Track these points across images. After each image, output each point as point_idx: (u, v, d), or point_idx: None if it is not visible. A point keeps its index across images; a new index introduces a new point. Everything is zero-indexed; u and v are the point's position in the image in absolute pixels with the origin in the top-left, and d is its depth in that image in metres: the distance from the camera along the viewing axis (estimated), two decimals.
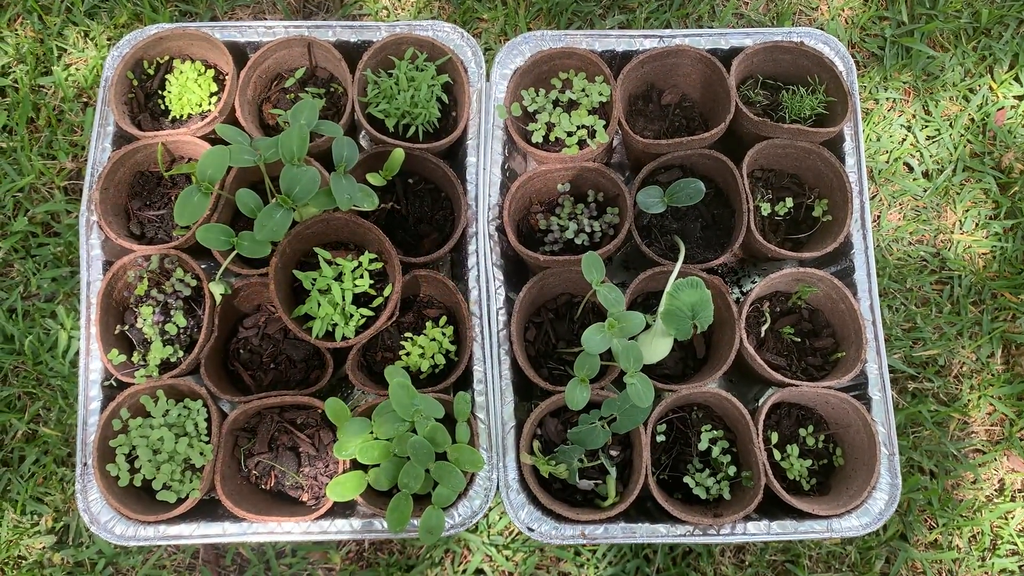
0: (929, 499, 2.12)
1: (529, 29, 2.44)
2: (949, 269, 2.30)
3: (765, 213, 1.92)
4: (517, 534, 2.08)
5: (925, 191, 2.35)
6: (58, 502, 2.10)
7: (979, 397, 2.20)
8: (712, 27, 2.44)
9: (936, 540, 2.12)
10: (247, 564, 2.06)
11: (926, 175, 2.38)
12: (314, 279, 1.74)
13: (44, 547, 2.07)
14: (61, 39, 2.41)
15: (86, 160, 2.31)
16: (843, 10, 2.51)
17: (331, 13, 2.46)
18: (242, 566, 2.07)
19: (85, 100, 2.37)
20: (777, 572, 2.09)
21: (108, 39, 2.40)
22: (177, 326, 1.78)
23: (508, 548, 2.08)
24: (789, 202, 1.93)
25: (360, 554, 2.08)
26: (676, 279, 1.72)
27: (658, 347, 1.72)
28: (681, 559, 2.08)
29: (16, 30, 2.42)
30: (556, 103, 1.95)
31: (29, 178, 2.28)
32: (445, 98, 1.93)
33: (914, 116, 2.42)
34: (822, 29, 2.46)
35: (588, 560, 2.07)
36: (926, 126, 2.42)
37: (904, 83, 2.44)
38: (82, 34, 2.42)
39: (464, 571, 2.06)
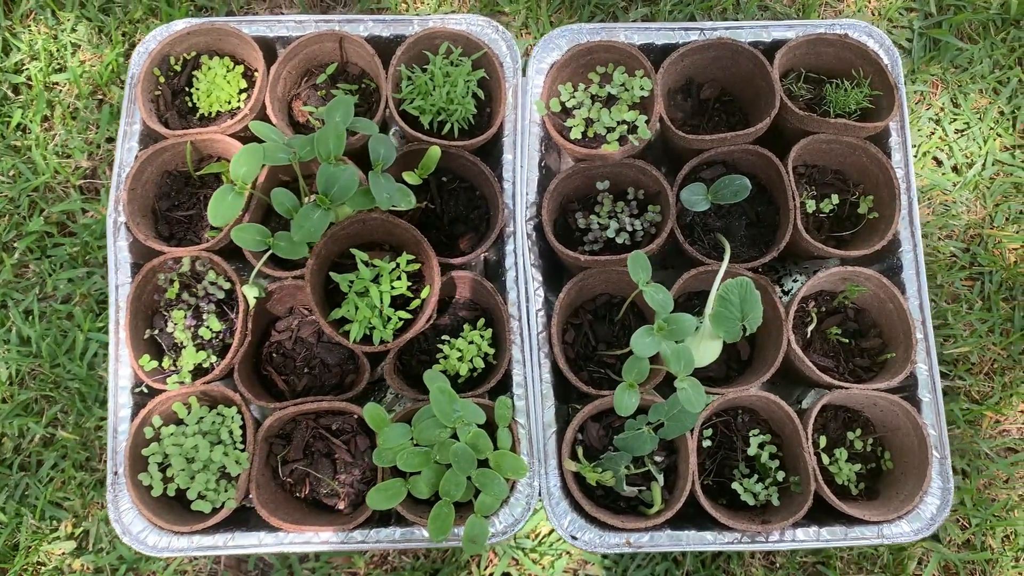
0: (961, 499, 2.09)
1: (551, 23, 2.39)
2: (979, 265, 2.26)
3: (809, 210, 1.88)
4: (543, 537, 2.04)
5: (955, 185, 2.31)
6: (77, 507, 2.05)
7: (1011, 395, 2.17)
8: (738, 19, 2.40)
9: (969, 540, 2.09)
10: (270, 568, 2.02)
11: (955, 169, 2.34)
12: (351, 281, 1.69)
13: (64, 553, 2.03)
14: (75, 35, 2.36)
15: (102, 159, 2.26)
16: (870, 1, 2.46)
17: (349, 7, 2.40)
18: (264, 571, 2.03)
19: (100, 97, 2.32)
20: (808, 574, 2.06)
21: (123, 35, 2.35)
22: (211, 330, 1.73)
23: (535, 551, 2.04)
24: (834, 199, 1.89)
25: (384, 558, 2.04)
26: (723, 279, 1.67)
27: (707, 350, 1.68)
28: (711, 561, 2.04)
29: (29, 26, 2.36)
30: (595, 98, 1.90)
31: (44, 177, 2.23)
32: (481, 94, 1.88)
33: (943, 109, 2.38)
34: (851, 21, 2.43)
35: (617, 562, 2.03)
36: (955, 119, 2.38)
37: (932, 76, 2.40)
38: (96, 30, 2.37)
39: (491, 575, 2.02)
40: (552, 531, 2.05)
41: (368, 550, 1.97)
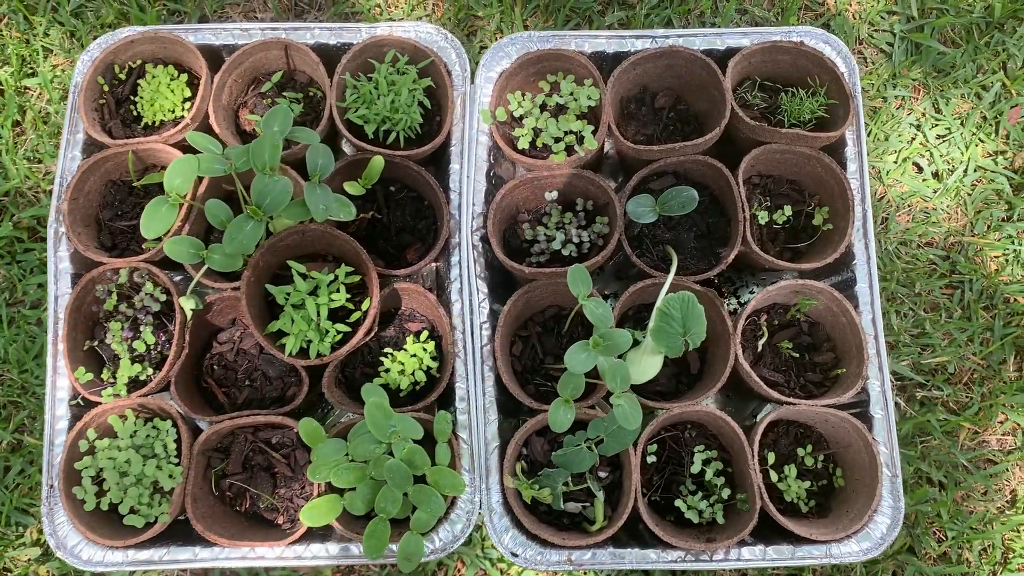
0: (938, 511, 2.05)
1: (526, 27, 2.36)
2: (959, 273, 2.21)
3: (763, 221, 1.84)
4: None
5: (935, 192, 2.26)
6: (43, 514, 2.05)
7: (990, 405, 2.12)
8: (716, 24, 2.35)
9: (945, 553, 2.04)
10: None
11: (936, 176, 2.29)
12: (288, 293, 1.68)
13: (29, 559, 2.02)
14: (47, 39, 2.35)
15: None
16: (850, 4, 2.41)
17: (323, 11, 2.38)
18: None
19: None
20: None
21: (95, 39, 2.34)
22: (146, 343, 1.71)
23: (502, 562, 2.01)
24: (788, 210, 1.85)
25: (352, 568, 2.03)
26: (667, 293, 1.64)
27: (648, 365, 1.64)
28: None
29: (1, 31, 2.36)
30: (543, 107, 1.87)
31: (14, 182, 2.23)
32: (428, 103, 1.86)
33: (924, 114, 2.33)
34: (828, 25, 2.38)
35: (584, 575, 2.00)
36: (936, 125, 2.33)
37: (914, 80, 2.35)
38: (68, 34, 2.36)
39: None
40: None
41: (303, 567, 1.95)
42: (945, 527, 2.05)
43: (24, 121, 2.32)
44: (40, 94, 2.33)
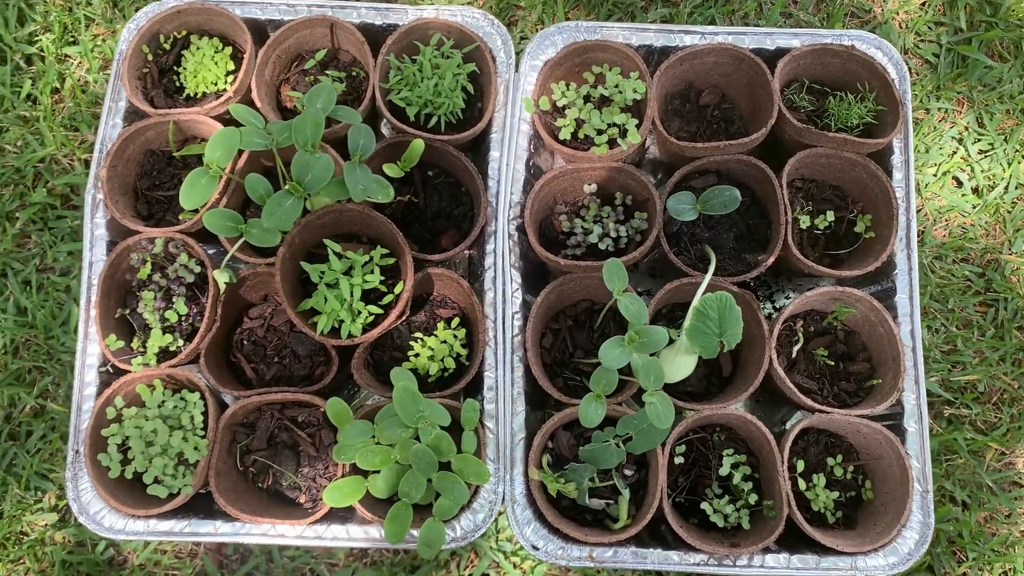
0: (960, 531, 2.02)
1: (567, 19, 2.34)
2: (995, 291, 2.18)
3: (804, 226, 1.81)
4: None
5: (974, 208, 2.23)
6: (62, 479, 2.05)
7: (1019, 427, 2.08)
8: (759, 25, 2.32)
9: (965, 574, 2.01)
10: (249, 555, 2.00)
11: (976, 191, 2.26)
12: (322, 272, 1.67)
13: (46, 524, 2.03)
14: (89, 8, 2.35)
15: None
16: (897, 13, 2.38)
17: None
18: (244, 556, 2.01)
19: (110, 72, 2.31)
20: None
21: (136, 9, 2.34)
22: (178, 313, 1.71)
23: (516, 555, 2.00)
24: (830, 215, 1.82)
25: (365, 551, 2.02)
26: (704, 293, 1.62)
27: (681, 365, 1.62)
28: None
29: None
30: (587, 99, 1.85)
31: (50, 149, 2.24)
32: (471, 88, 1.84)
33: (967, 128, 2.30)
34: (874, 32, 2.34)
35: (598, 574, 1.98)
36: (979, 139, 2.29)
37: (958, 93, 2.31)
38: (110, 4, 2.36)
39: None
40: None
41: (324, 547, 1.94)
42: (966, 547, 2.02)
43: (63, 89, 2.32)
44: (80, 63, 2.33)
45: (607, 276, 1.56)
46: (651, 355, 1.55)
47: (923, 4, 2.38)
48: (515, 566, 1.99)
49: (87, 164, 2.25)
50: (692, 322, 1.59)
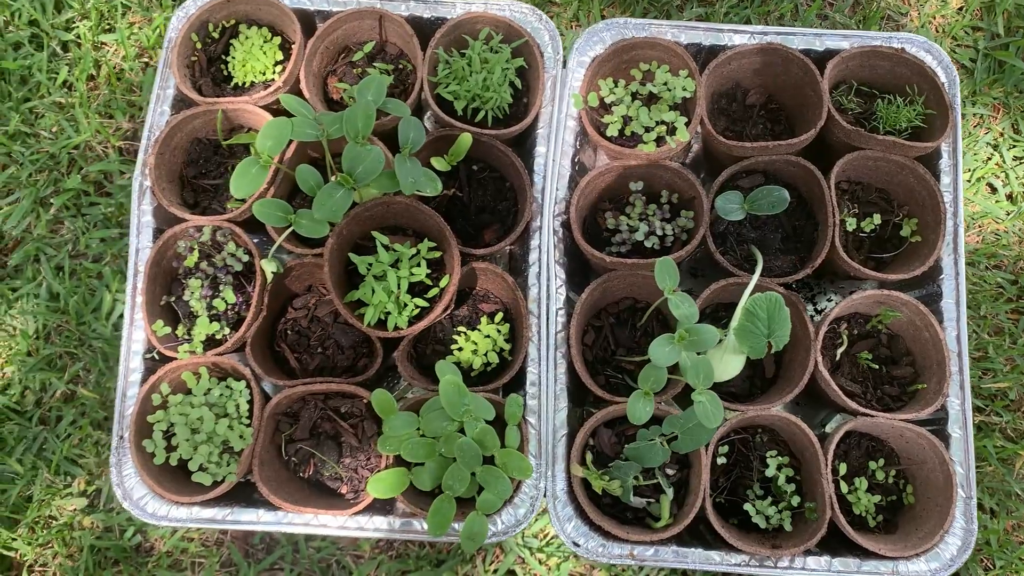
0: (987, 539, 2.01)
1: (603, 16, 2.34)
2: None
3: (850, 228, 1.81)
4: (552, 538, 2.00)
5: (1008, 214, 2.22)
6: (92, 465, 2.06)
7: None
8: (795, 26, 2.32)
9: None
10: (275, 545, 2.01)
11: (1010, 198, 2.25)
12: (370, 264, 1.67)
13: (75, 509, 2.03)
14: None
15: (143, 122, 2.26)
16: (934, 18, 2.37)
17: None
18: (271, 546, 2.01)
19: (146, 60, 2.32)
20: None
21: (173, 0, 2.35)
22: (225, 302, 1.71)
23: (542, 551, 2.00)
24: (876, 218, 1.81)
25: (390, 544, 2.02)
26: (752, 293, 1.62)
27: (729, 364, 1.62)
28: None
29: None
30: (635, 96, 1.85)
31: (85, 135, 2.24)
32: (518, 83, 1.84)
33: (1002, 134, 2.29)
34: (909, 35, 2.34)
35: (624, 572, 1.98)
36: (1014, 146, 2.28)
37: (994, 99, 2.31)
38: None
39: (495, 571, 1.99)
40: None
41: (366, 538, 1.94)
42: (994, 555, 2.01)
43: (99, 76, 2.32)
44: (116, 50, 2.33)
45: (659, 275, 1.56)
46: (700, 354, 1.55)
47: (960, 8, 2.37)
48: (541, 562, 1.99)
49: (121, 151, 2.25)
50: (741, 322, 1.58)
